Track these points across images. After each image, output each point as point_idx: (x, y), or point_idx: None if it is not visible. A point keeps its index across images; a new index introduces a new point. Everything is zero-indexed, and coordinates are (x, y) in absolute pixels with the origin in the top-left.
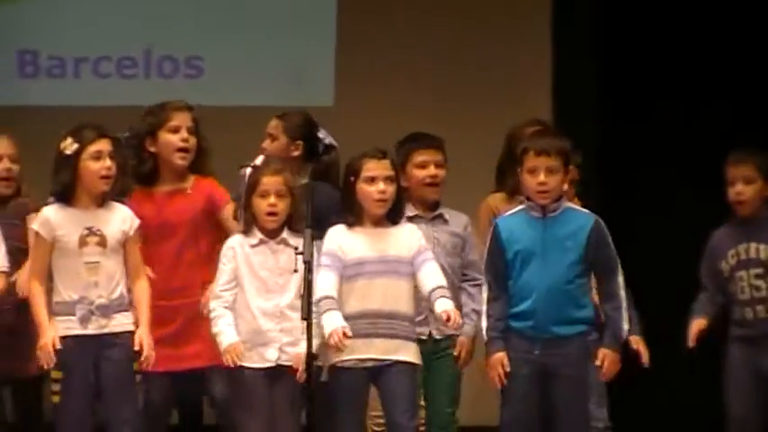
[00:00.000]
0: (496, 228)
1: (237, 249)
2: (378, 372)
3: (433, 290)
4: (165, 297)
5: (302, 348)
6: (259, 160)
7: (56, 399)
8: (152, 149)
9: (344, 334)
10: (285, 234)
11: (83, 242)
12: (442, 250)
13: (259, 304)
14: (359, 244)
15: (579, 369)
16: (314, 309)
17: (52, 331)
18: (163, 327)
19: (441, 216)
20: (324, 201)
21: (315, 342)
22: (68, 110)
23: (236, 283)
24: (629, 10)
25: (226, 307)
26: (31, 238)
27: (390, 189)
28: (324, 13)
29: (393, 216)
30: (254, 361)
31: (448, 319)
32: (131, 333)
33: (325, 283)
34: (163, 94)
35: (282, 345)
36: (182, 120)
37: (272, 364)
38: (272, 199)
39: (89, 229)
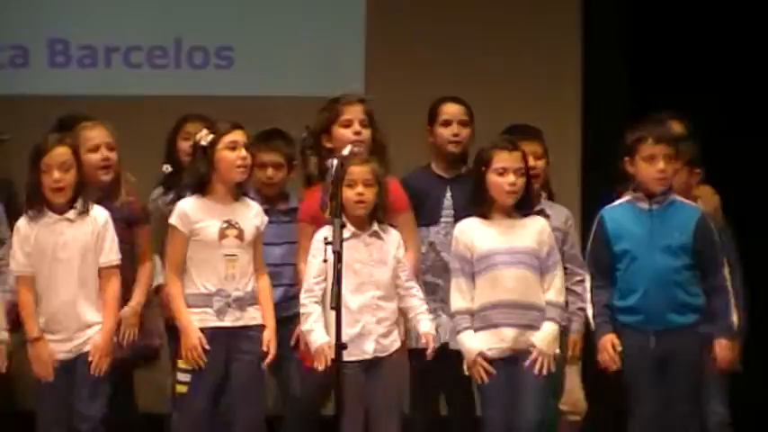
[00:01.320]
0: (602, 219)
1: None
2: (512, 361)
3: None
4: None
5: (427, 327)
6: (346, 150)
7: (182, 389)
8: (328, 146)
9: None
10: (376, 227)
11: (222, 234)
12: None
13: (355, 297)
14: (489, 236)
15: (695, 356)
16: (436, 312)
17: (197, 330)
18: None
19: (542, 211)
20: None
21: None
22: (99, 99)
23: (325, 276)
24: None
25: (315, 302)
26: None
27: (521, 181)
28: (353, 1)
29: (523, 207)
30: (351, 354)
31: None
32: (262, 327)
33: (458, 289)
34: (193, 84)
35: (378, 336)
36: (353, 113)
37: (370, 356)
38: (360, 188)
39: (228, 221)
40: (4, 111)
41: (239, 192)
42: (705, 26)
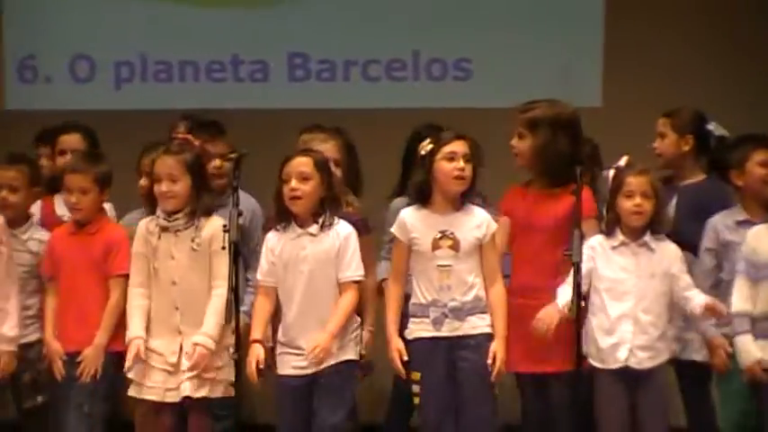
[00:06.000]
0: None
1: (598, 249)
2: None
3: None
4: (523, 295)
5: (702, 300)
6: (623, 161)
7: (417, 400)
8: None
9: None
10: (647, 237)
11: (435, 245)
12: None
13: (613, 305)
14: None
15: None
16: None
17: (399, 341)
18: (518, 325)
19: None
20: (714, 197)
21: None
22: (337, 112)
23: (589, 281)
24: None
25: None
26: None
27: None
28: (591, 12)
29: None
30: (606, 363)
31: None
32: (488, 335)
33: (741, 291)
34: (431, 96)
35: (634, 347)
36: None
37: (622, 365)
38: (638, 199)
39: (442, 232)
40: (244, 124)
41: (463, 201)
42: None
